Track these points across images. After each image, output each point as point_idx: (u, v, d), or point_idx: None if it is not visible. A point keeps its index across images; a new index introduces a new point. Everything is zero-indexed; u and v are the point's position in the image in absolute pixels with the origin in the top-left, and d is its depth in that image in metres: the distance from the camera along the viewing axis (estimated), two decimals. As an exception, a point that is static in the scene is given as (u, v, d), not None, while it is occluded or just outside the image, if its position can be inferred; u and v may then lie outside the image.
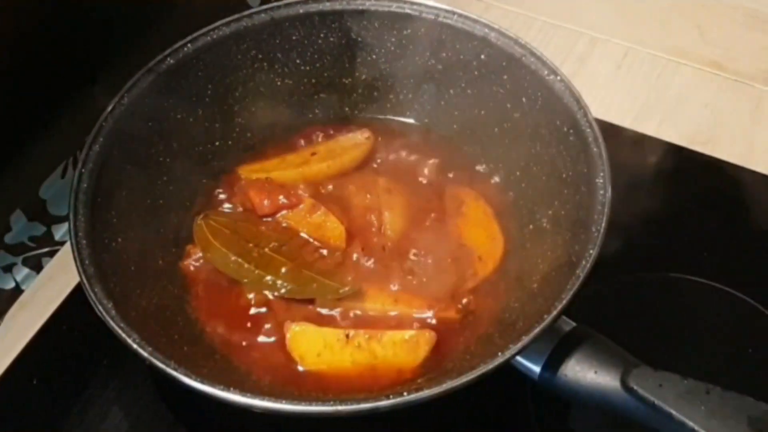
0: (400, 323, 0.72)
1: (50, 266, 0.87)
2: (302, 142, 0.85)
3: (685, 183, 0.89)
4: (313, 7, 0.82)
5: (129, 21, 0.86)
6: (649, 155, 0.90)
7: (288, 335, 0.71)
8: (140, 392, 0.77)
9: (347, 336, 0.70)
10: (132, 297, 0.69)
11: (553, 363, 0.65)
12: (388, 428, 0.70)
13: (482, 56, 0.80)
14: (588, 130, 0.72)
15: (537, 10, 1.06)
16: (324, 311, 0.73)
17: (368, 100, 0.87)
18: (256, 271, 0.74)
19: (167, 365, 0.62)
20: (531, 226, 0.77)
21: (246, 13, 0.81)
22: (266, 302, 0.74)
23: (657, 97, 0.98)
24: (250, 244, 0.76)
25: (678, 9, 1.04)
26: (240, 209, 0.80)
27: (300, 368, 0.71)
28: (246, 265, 0.75)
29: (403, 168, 0.82)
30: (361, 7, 0.82)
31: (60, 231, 0.89)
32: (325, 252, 0.77)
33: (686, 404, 0.59)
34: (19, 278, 0.86)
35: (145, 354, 0.63)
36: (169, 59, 0.78)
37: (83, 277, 0.66)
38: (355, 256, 0.76)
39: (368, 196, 0.80)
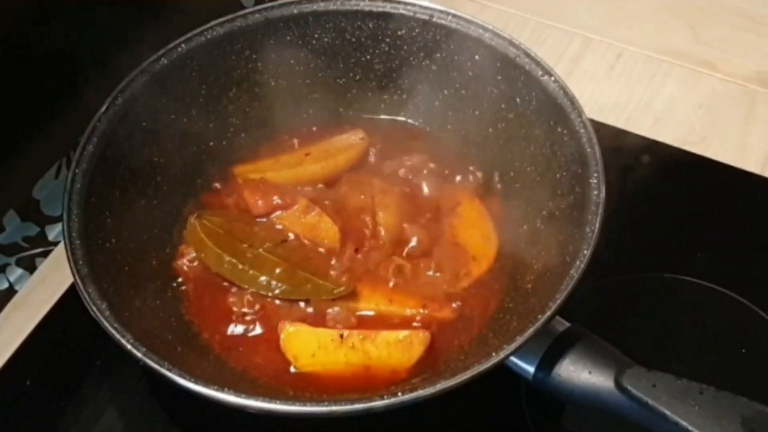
0: (394, 323, 0.72)
1: (44, 267, 0.87)
2: (296, 142, 0.85)
3: (679, 183, 0.89)
4: (308, 8, 0.82)
5: (123, 21, 0.86)
6: (642, 155, 0.90)
7: (282, 336, 0.71)
8: (134, 393, 0.77)
9: (341, 336, 0.70)
10: (126, 297, 0.69)
11: (547, 363, 0.65)
12: (382, 428, 0.70)
13: (476, 57, 0.80)
14: (582, 130, 0.72)
15: (531, 10, 1.06)
16: (318, 311, 0.73)
17: (363, 100, 0.87)
18: (250, 272, 0.74)
19: (161, 366, 0.62)
20: (525, 226, 0.77)
21: (240, 13, 0.81)
22: (260, 303, 0.74)
23: (651, 98, 0.98)
24: (244, 245, 0.76)
25: (671, 10, 1.04)
26: (234, 210, 0.80)
27: (294, 369, 0.71)
28: (240, 266, 0.75)
29: (397, 168, 0.82)
30: (355, 8, 0.82)
31: (54, 231, 0.89)
32: (319, 252, 0.77)
33: (680, 404, 0.59)
34: (12, 279, 0.86)
35: (139, 354, 0.63)
36: (163, 59, 0.78)
37: (77, 278, 0.66)
38: (349, 256, 0.76)
39: (362, 196, 0.80)
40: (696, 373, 0.61)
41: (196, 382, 0.61)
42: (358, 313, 0.73)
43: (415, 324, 0.72)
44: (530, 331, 0.62)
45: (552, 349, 0.65)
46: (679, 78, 1.00)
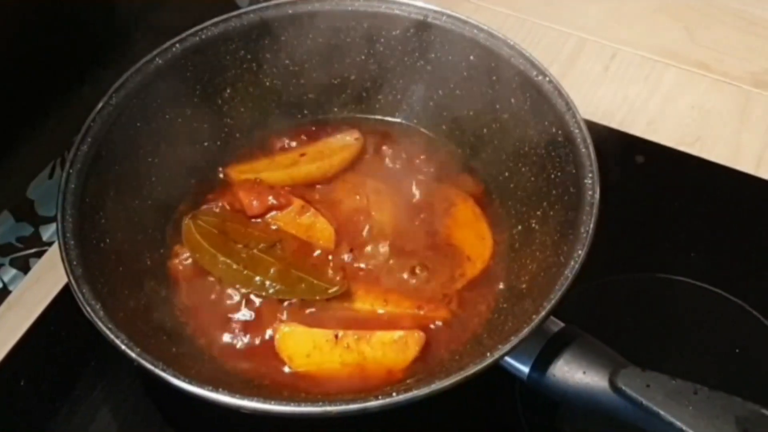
0: (389, 324, 0.72)
1: (38, 267, 0.87)
2: (291, 143, 0.85)
3: (673, 184, 0.89)
4: (302, 8, 0.82)
5: (117, 21, 0.85)
6: (637, 156, 0.90)
7: (277, 336, 0.71)
8: (128, 393, 0.77)
9: (336, 337, 0.70)
10: (120, 298, 0.69)
11: (541, 363, 0.65)
12: (377, 428, 0.70)
13: (471, 57, 0.80)
14: (576, 131, 0.72)
15: (526, 11, 1.07)
16: (313, 312, 0.73)
17: (357, 100, 0.87)
18: (245, 272, 0.74)
19: (156, 366, 0.62)
20: (520, 227, 0.77)
21: (235, 13, 0.81)
22: (255, 303, 0.74)
23: (645, 98, 0.98)
24: (239, 245, 0.76)
25: (666, 10, 1.04)
26: (229, 210, 0.80)
27: (289, 369, 0.71)
28: (235, 266, 0.75)
29: (392, 169, 0.82)
30: (350, 8, 0.82)
31: (48, 231, 0.88)
32: (314, 253, 0.77)
33: (674, 404, 0.59)
34: (6, 279, 0.86)
35: (133, 355, 0.62)
36: (157, 59, 0.78)
37: (71, 278, 0.66)
38: (344, 256, 0.76)
39: (357, 197, 0.80)
40: (690, 373, 0.61)
41: (190, 383, 0.61)
42: (352, 314, 0.73)
43: (410, 324, 0.72)
44: (525, 331, 0.62)
45: (546, 349, 0.65)
46: (673, 79, 1.00)
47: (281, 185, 0.80)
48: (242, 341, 0.72)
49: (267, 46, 0.83)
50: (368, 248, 0.76)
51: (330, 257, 0.76)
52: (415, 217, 0.79)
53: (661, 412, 0.59)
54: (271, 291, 0.74)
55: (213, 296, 0.75)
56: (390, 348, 0.70)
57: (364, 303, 0.73)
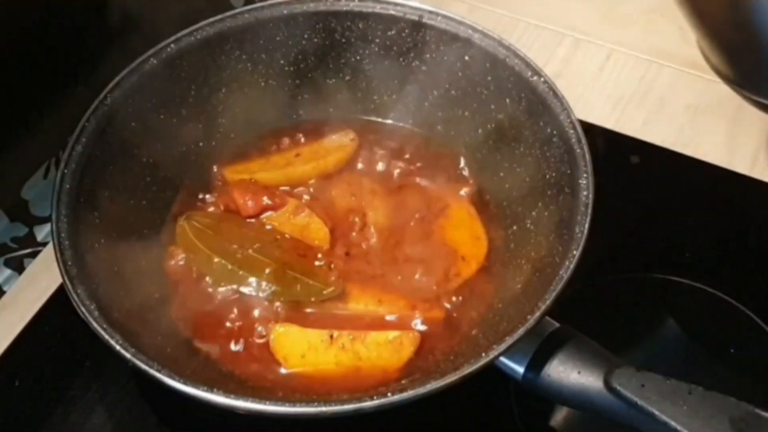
0: (384, 324, 0.72)
1: (32, 267, 0.86)
2: (286, 143, 0.85)
3: (668, 184, 0.89)
4: (297, 8, 0.82)
5: (112, 20, 0.85)
6: (631, 156, 0.90)
7: (272, 336, 0.71)
8: (123, 394, 0.77)
9: (331, 337, 0.70)
10: (115, 298, 0.69)
11: (536, 363, 0.65)
12: (372, 429, 0.70)
13: (466, 57, 0.80)
14: (571, 131, 0.72)
15: (520, 11, 1.07)
16: (308, 312, 0.73)
17: (352, 101, 0.87)
18: (240, 272, 0.74)
19: (150, 366, 0.62)
20: (514, 227, 0.77)
21: (230, 13, 0.81)
22: (250, 303, 0.74)
23: (640, 99, 0.98)
24: (234, 246, 0.76)
25: (661, 10, 1.04)
26: (224, 210, 0.80)
27: (284, 369, 0.71)
28: (229, 266, 0.74)
29: (387, 169, 0.82)
30: (345, 9, 0.82)
31: (42, 232, 0.88)
32: (309, 253, 0.76)
33: (669, 404, 0.59)
34: (1, 279, 0.86)
35: (128, 355, 0.62)
36: (152, 59, 0.78)
37: (66, 279, 0.66)
38: (338, 257, 0.76)
39: (352, 197, 0.80)
40: (685, 373, 0.62)
41: (185, 383, 0.61)
42: (347, 314, 0.73)
43: (405, 324, 0.72)
44: (520, 331, 0.62)
45: (541, 349, 0.65)
46: (668, 79, 1.00)
47: (276, 185, 0.80)
48: (237, 342, 0.72)
49: (262, 47, 0.83)
50: (363, 248, 0.77)
51: (325, 257, 0.76)
52: (410, 217, 0.79)
53: (656, 412, 0.59)
54: (266, 292, 0.74)
55: (208, 297, 0.74)
56: (385, 348, 0.70)
57: (359, 303, 0.73)
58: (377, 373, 0.69)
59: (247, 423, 0.66)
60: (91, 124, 0.74)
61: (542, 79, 0.75)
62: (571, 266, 0.65)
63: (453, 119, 0.84)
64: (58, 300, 0.80)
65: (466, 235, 0.78)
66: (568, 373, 0.64)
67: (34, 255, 0.88)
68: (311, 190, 0.81)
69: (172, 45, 0.79)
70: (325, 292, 0.73)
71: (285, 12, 0.82)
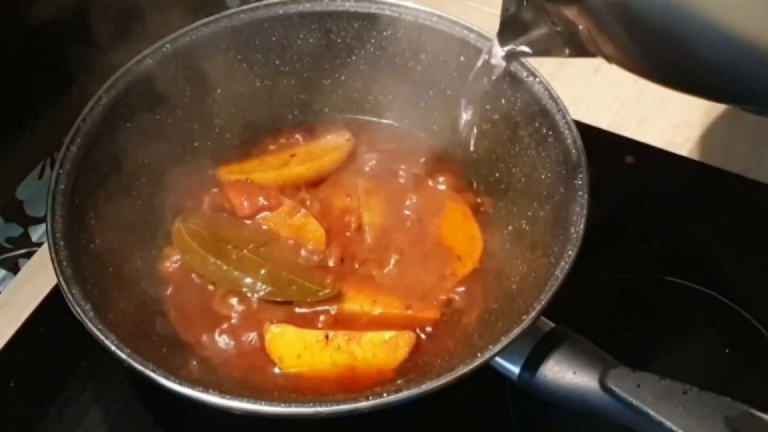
0: (379, 324, 0.72)
1: (27, 268, 0.86)
2: (282, 143, 0.85)
3: (663, 185, 0.89)
4: (293, 8, 0.82)
5: (107, 21, 0.85)
6: (627, 157, 0.90)
7: (267, 337, 0.71)
8: (118, 394, 0.76)
9: (327, 337, 0.70)
10: (110, 299, 0.69)
11: (532, 363, 0.65)
12: (368, 429, 0.70)
13: (461, 58, 0.80)
14: (567, 132, 0.72)
15: (516, 12, 1.06)
16: (303, 312, 0.73)
17: (348, 101, 0.87)
18: (235, 273, 0.74)
19: (146, 367, 0.62)
20: (510, 227, 0.77)
21: (225, 13, 0.81)
22: (245, 304, 0.74)
23: (635, 99, 0.98)
24: (229, 246, 0.76)
25: (656, 11, 1.04)
26: (219, 211, 0.80)
27: (279, 370, 0.70)
28: (225, 267, 0.74)
29: (382, 169, 0.82)
30: (340, 9, 0.82)
31: (37, 232, 0.88)
32: (304, 254, 0.76)
33: (664, 404, 0.59)
34: (-5, 280, 0.86)
35: (123, 356, 0.62)
36: (147, 60, 0.78)
37: (61, 279, 0.66)
38: (334, 257, 0.76)
39: (348, 197, 0.80)
40: (680, 374, 0.62)
41: (181, 384, 0.61)
42: (343, 314, 0.73)
43: (400, 325, 0.72)
44: (515, 331, 0.62)
45: (537, 349, 0.65)
46: (663, 80, 1.00)
47: (272, 186, 0.80)
48: (233, 342, 0.72)
49: (257, 47, 0.83)
50: (359, 249, 0.77)
51: (320, 258, 0.76)
52: (405, 217, 0.79)
53: (651, 412, 0.59)
54: (261, 292, 0.73)
55: (203, 297, 0.74)
56: (380, 348, 0.70)
57: (355, 303, 0.73)
58: (373, 374, 0.69)
59: (243, 423, 0.66)
60: (86, 124, 0.74)
61: (538, 79, 0.75)
62: (567, 266, 0.65)
63: (448, 119, 0.83)
64: (53, 301, 0.80)
65: (462, 235, 0.78)
66: (563, 373, 0.64)
67: (29, 255, 0.87)
68: (307, 190, 0.80)
69: (168, 45, 0.79)
70: (320, 293, 0.73)
71: (280, 12, 0.82)
